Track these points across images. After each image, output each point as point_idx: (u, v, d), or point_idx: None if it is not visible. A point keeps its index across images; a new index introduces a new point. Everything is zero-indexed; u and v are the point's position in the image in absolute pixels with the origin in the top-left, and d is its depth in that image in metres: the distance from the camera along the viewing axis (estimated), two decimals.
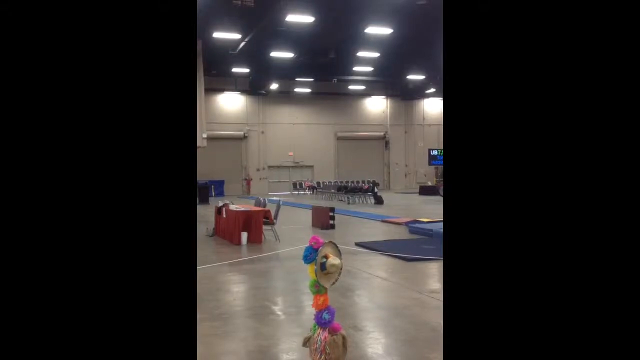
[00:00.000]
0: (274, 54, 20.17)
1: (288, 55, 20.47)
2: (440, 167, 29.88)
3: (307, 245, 2.87)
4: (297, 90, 27.77)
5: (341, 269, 2.87)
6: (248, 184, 26.88)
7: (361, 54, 19.36)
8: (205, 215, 13.20)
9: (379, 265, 6.79)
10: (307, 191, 25.96)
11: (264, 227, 8.90)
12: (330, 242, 2.89)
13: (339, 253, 2.89)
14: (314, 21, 15.29)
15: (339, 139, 29.57)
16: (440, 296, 5.03)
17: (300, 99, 28.40)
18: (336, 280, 2.88)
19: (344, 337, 2.89)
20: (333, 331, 2.87)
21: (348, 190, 20.63)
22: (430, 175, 30.19)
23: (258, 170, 28.06)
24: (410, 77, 24.93)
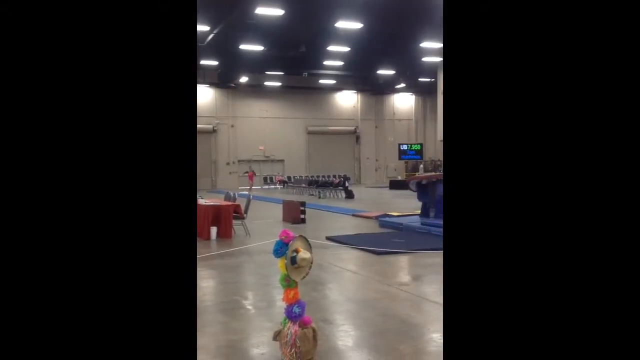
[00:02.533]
0: (244, 46, 19.97)
1: (258, 48, 20.30)
2: (411, 162, 30.26)
3: (278, 239, 2.86)
4: (267, 83, 27.59)
5: (312, 262, 2.87)
6: (251, 178, 25.63)
7: (332, 48, 19.38)
8: None
9: (349, 259, 6.84)
10: (277, 185, 25.89)
11: (234, 221, 8.84)
12: (301, 236, 2.89)
13: (309, 247, 2.90)
14: (284, 14, 15.20)
15: (309, 133, 29.56)
16: (409, 288, 5.11)
17: (271, 93, 28.25)
18: (307, 274, 2.89)
19: (314, 330, 2.90)
20: (303, 324, 2.87)
21: (319, 184, 20.69)
22: (400, 169, 30.53)
23: (228, 164, 27.81)
24: (381, 72, 25.10)
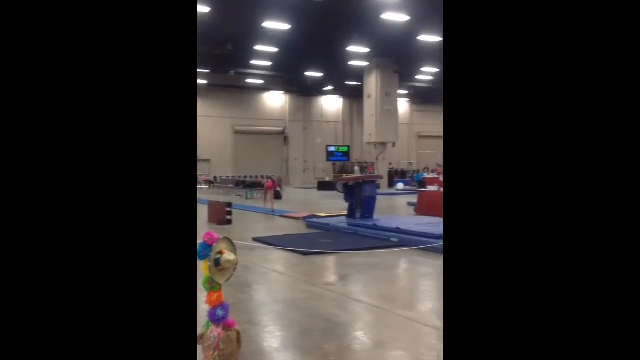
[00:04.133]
0: None
1: None
2: (338, 163, 30.69)
3: (201, 241, 2.79)
4: None
5: (236, 264, 2.83)
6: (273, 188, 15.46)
7: (259, 47, 19.25)
8: None
9: (276, 260, 6.82)
10: (203, 185, 25.29)
11: None
12: (225, 237, 2.84)
13: (234, 249, 2.85)
14: (210, 12, 14.89)
15: (237, 132, 29.17)
16: (335, 288, 5.18)
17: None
18: (231, 276, 2.84)
19: (238, 333, 2.86)
20: (227, 327, 2.82)
21: (246, 184, 20.45)
22: (328, 170, 30.90)
23: None
24: (309, 73, 25.27)
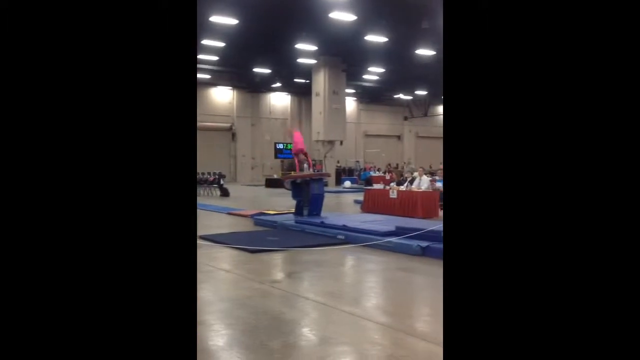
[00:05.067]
0: None
1: None
2: (286, 161, 30.65)
3: None
4: None
5: None
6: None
7: (206, 42, 18.89)
8: None
9: (223, 258, 6.75)
10: None
11: None
12: None
13: None
14: None
15: None
16: (282, 285, 5.20)
17: None
18: None
19: None
20: None
21: None
22: (276, 168, 30.80)
23: None
24: (257, 70, 25.07)
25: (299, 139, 10.82)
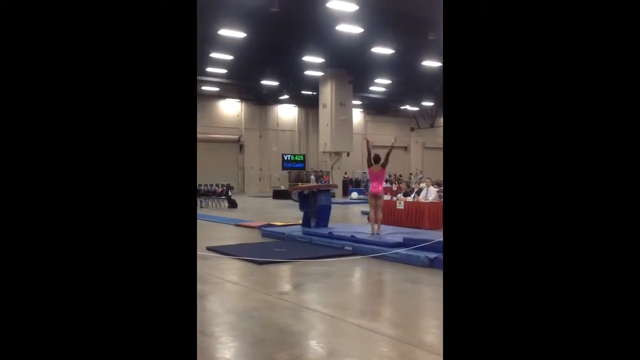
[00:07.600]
0: None
1: None
2: (294, 172, 30.72)
3: None
4: None
5: None
6: None
7: (215, 55, 19.07)
8: None
9: (230, 270, 6.75)
10: None
11: None
12: None
13: None
14: None
15: None
16: (289, 297, 5.19)
17: None
18: None
19: None
20: None
21: (201, 193, 20.12)
22: (283, 179, 30.85)
23: None
24: (265, 82, 25.24)
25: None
